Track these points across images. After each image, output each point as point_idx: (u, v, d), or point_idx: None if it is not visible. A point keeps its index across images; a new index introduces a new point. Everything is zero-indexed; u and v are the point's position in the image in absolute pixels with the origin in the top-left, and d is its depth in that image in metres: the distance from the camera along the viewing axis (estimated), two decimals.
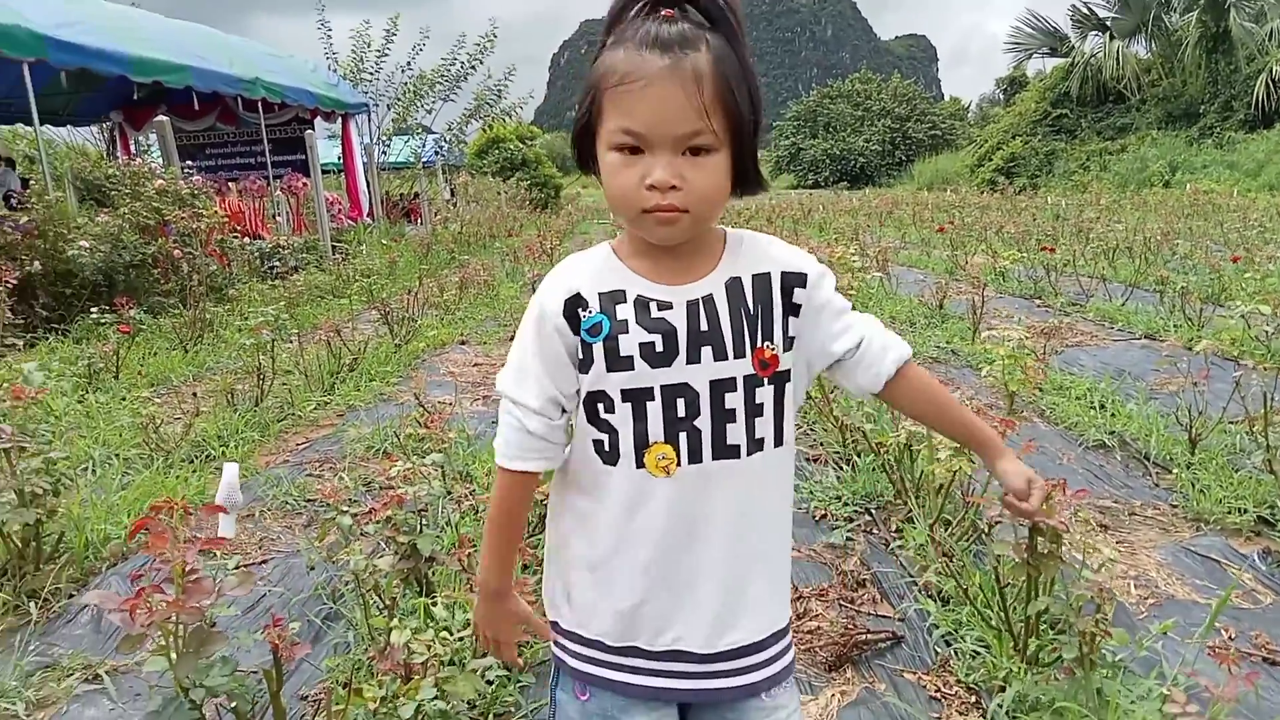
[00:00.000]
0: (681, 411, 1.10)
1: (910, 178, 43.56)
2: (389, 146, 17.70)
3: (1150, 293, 7.31)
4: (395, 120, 17.36)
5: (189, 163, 13.60)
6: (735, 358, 1.12)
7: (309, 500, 3.40)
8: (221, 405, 4.57)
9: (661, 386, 1.09)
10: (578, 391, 1.12)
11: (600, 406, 1.11)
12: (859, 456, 3.54)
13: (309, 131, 12.26)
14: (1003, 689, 2.00)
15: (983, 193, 26.60)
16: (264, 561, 2.92)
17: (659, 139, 1.02)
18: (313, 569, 2.54)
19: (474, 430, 4.23)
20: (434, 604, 1.59)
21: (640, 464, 1.10)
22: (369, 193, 15.21)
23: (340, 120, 14.59)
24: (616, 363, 1.08)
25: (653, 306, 1.09)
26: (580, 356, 1.10)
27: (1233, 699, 1.58)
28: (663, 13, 1.03)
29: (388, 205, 16.80)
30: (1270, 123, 24.95)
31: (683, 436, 1.10)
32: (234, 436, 4.12)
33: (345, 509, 1.97)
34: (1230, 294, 6.57)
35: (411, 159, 18.26)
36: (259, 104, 11.94)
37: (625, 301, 1.09)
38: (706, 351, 1.10)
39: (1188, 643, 2.20)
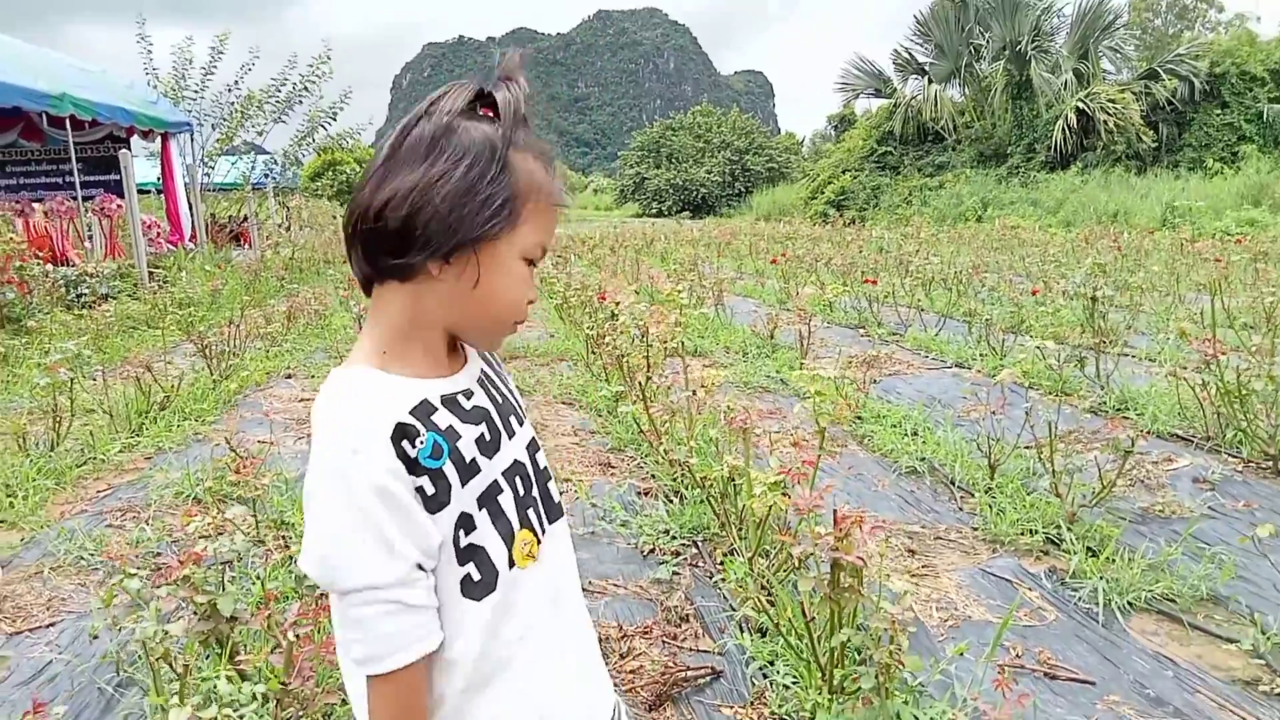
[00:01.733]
0: (522, 489, 1.04)
1: (749, 208, 45.07)
2: (213, 167, 16.84)
3: (961, 323, 7.83)
4: (220, 141, 16.54)
5: None
6: (525, 418, 1.12)
7: (107, 555, 3.16)
8: (12, 450, 4.20)
9: (502, 474, 1.01)
10: (441, 545, 0.95)
11: (461, 533, 0.96)
12: (687, 490, 3.61)
13: (124, 151, 11.49)
14: (810, 718, 2.08)
15: (815, 224, 27.85)
16: (51, 625, 2.68)
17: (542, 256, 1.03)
18: (96, 637, 2.36)
19: (295, 472, 4.05)
20: (218, 678, 1.50)
21: (512, 563, 1.00)
22: (191, 215, 14.42)
23: (160, 139, 13.79)
24: (466, 471, 0.97)
25: (460, 399, 1.00)
26: (431, 492, 0.93)
27: (1008, 718, 1.70)
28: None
29: (213, 229, 15.95)
30: (1067, 164, 27.35)
31: (530, 513, 1.04)
32: (24, 485, 3.78)
33: (133, 571, 1.84)
34: (1028, 325, 7.12)
35: (239, 180, 17.45)
36: (68, 120, 11.12)
37: (437, 409, 0.96)
38: (513, 420, 1.07)
39: (981, 662, 2.36)
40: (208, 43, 16.24)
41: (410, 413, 0.93)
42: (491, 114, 0.98)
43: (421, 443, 0.93)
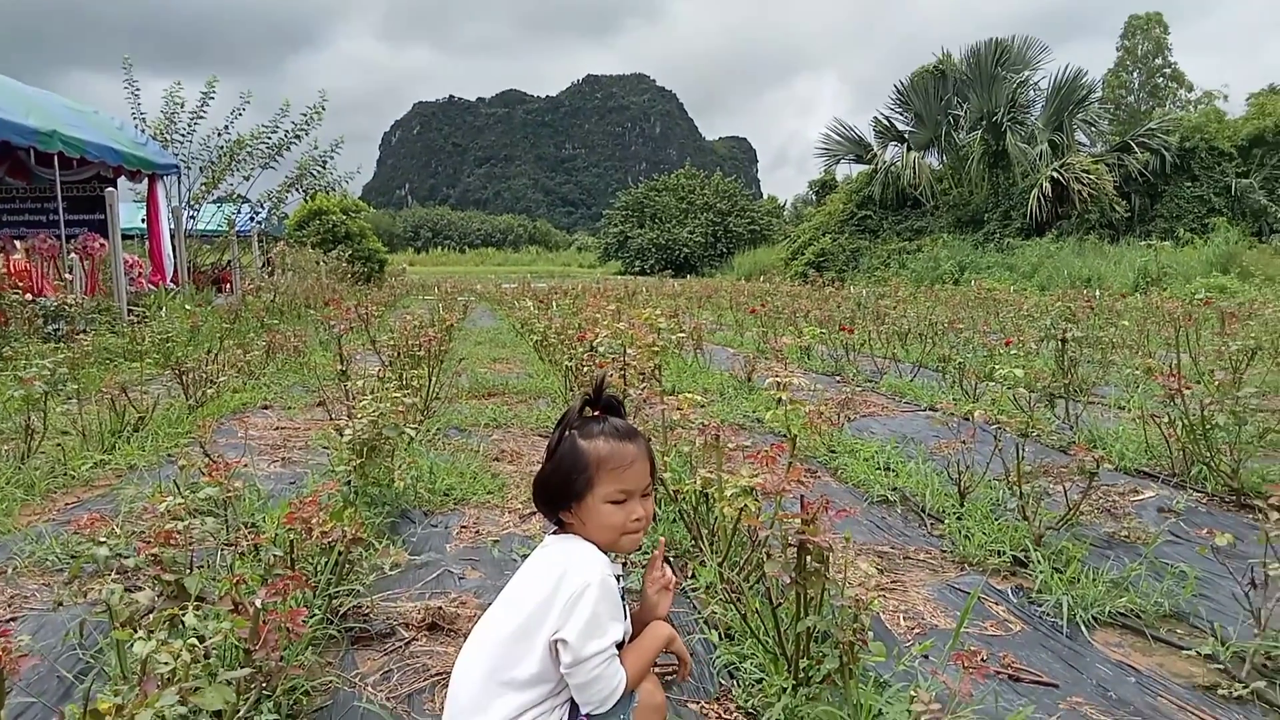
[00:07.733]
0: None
1: (731, 268, 45.54)
2: (198, 212, 16.88)
3: (935, 371, 7.93)
4: (206, 184, 16.59)
5: None
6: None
7: (73, 556, 3.12)
8: None
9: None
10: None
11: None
12: (660, 506, 3.62)
13: (110, 190, 11.56)
14: (774, 705, 2.08)
15: (796, 284, 28.17)
16: (12, 619, 2.65)
17: (635, 492, 1.76)
18: (60, 605, 2.33)
19: (267, 489, 4.04)
20: (184, 611, 1.50)
21: None
22: (175, 258, 14.43)
23: (147, 181, 13.87)
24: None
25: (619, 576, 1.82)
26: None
27: (969, 694, 1.72)
28: (603, 417, 1.82)
29: (196, 274, 15.94)
30: (1043, 231, 27.94)
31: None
32: None
33: (102, 540, 1.84)
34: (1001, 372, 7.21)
35: (224, 227, 17.46)
36: (55, 159, 11.18)
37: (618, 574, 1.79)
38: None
39: (944, 655, 2.37)
40: (199, 89, 16.42)
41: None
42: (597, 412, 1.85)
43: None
